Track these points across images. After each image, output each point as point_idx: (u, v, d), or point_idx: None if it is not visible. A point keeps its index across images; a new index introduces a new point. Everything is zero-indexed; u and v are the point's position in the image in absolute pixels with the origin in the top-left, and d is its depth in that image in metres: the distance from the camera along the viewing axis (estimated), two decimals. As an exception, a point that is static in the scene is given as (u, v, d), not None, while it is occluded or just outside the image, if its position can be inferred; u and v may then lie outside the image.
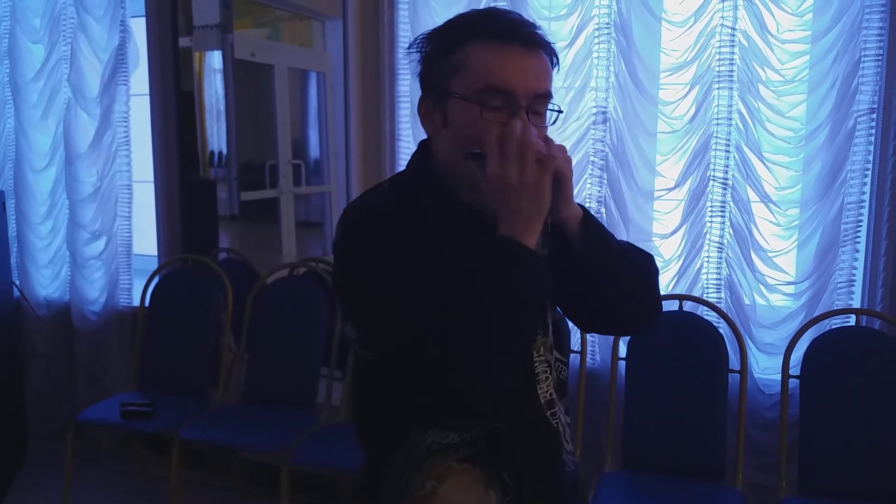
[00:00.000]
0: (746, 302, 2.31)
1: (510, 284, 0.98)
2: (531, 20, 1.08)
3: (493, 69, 1.02)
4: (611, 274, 1.10)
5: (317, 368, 2.65)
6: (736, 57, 2.23)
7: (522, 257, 0.99)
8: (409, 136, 2.64)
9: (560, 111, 1.09)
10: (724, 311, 2.30)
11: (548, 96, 1.07)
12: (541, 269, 1.01)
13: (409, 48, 1.12)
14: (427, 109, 1.10)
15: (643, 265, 1.17)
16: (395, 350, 1.00)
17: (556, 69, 1.09)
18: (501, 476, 1.08)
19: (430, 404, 1.01)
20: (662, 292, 2.34)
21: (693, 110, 2.29)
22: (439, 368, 0.97)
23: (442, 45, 1.07)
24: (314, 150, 3.16)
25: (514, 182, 0.99)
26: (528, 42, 1.04)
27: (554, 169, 1.00)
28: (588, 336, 2.39)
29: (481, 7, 1.12)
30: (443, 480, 1.03)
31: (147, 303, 2.93)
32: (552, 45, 1.08)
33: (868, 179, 2.20)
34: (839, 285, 2.24)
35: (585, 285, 1.11)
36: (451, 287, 0.99)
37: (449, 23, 1.09)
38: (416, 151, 1.18)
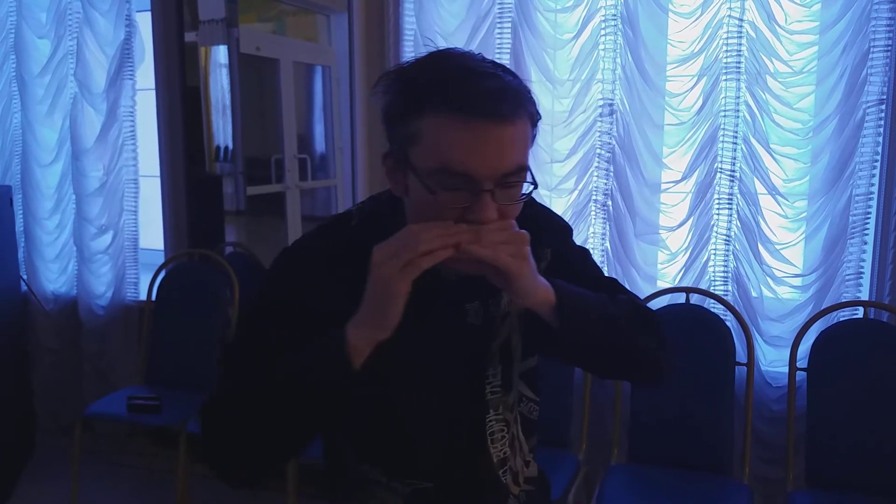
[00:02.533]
0: (753, 294, 2.30)
1: (302, 374, 0.91)
2: (505, 79, 0.90)
3: (450, 150, 0.86)
4: (591, 354, 1.01)
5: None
6: (743, 48, 2.22)
7: (332, 360, 0.90)
8: (414, 129, 2.64)
9: (535, 185, 0.93)
10: (731, 303, 2.29)
11: (520, 170, 0.90)
12: (340, 382, 0.90)
13: (374, 85, 0.95)
14: (390, 168, 0.97)
15: (639, 346, 1.03)
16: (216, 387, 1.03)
17: (535, 130, 0.93)
18: None
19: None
20: (669, 285, 2.36)
21: (700, 102, 2.28)
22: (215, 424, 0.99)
23: (400, 106, 0.91)
24: (320, 145, 3.16)
25: (375, 265, 0.88)
26: (495, 116, 0.86)
27: (497, 265, 0.88)
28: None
29: (447, 56, 0.93)
30: None
31: (154, 297, 2.94)
32: (530, 105, 0.91)
33: (877, 171, 2.19)
34: (847, 277, 2.23)
35: (571, 360, 1.06)
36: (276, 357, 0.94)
37: (409, 76, 0.92)
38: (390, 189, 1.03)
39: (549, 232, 1.10)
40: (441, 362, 1.00)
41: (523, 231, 0.91)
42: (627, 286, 2.38)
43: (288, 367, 0.92)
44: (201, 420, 1.00)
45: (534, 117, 0.92)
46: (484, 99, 0.86)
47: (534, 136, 0.93)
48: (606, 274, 1.18)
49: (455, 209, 0.89)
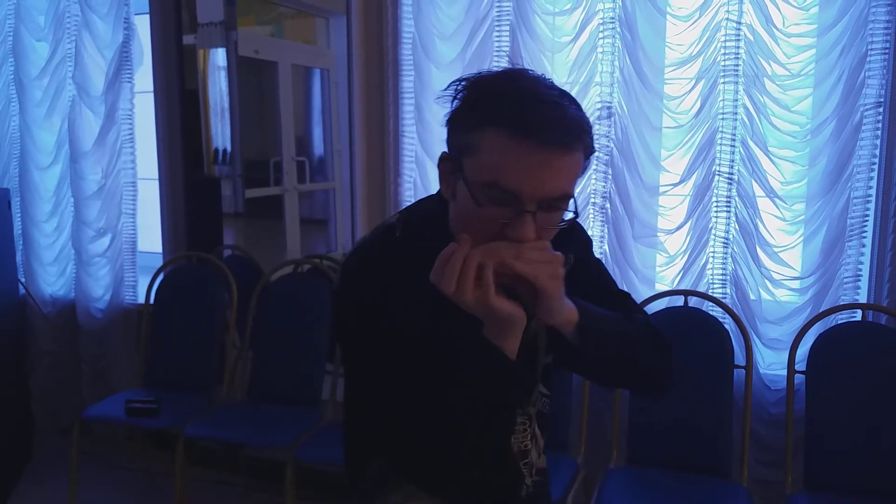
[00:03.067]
0: (752, 297, 2.30)
1: (469, 392, 0.97)
2: (569, 109, 0.94)
3: (502, 167, 0.91)
4: (606, 370, 1.07)
5: (321, 365, 2.66)
6: (741, 51, 2.22)
7: (493, 369, 0.96)
8: (412, 132, 2.64)
9: (576, 214, 0.98)
10: (730, 306, 2.29)
11: (564, 198, 0.95)
12: (505, 382, 0.97)
13: (446, 87, 0.99)
14: (444, 171, 1.01)
15: (650, 363, 1.10)
16: (348, 401, 1.11)
17: (589, 161, 0.98)
18: None
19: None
20: (667, 288, 2.36)
21: (698, 105, 2.28)
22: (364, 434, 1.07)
23: (465, 115, 0.96)
24: (318, 147, 3.16)
25: (454, 298, 0.93)
26: (551, 143, 0.90)
27: (535, 283, 0.92)
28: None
29: (521, 76, 0.97)
30: (409, 499, 1.09)
31: (152, 300, 2.93)
32: (587, 138, 0.96)
33: (874, 174, 2.19)
34: (845, 280, 2.23)
35: (582, 373, 1.13)
36: (419, 370, 0.99)
37: (482, 88, 0.97)
38: (439, 193, 1.07)
39: (574, 240, 1.15)
40: (475, 357, 1.03)
41: (558, 253, 0.95)
42: (626, 289, 2.41)
43: (451, 390, 0.98)
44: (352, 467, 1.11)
45: (588, 150, 0.96)
46: (543, 126, 0.90)
47: (585, 168, 0.98)
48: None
49: (496, 223, 0.93)
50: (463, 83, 0.98)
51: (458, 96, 0.98)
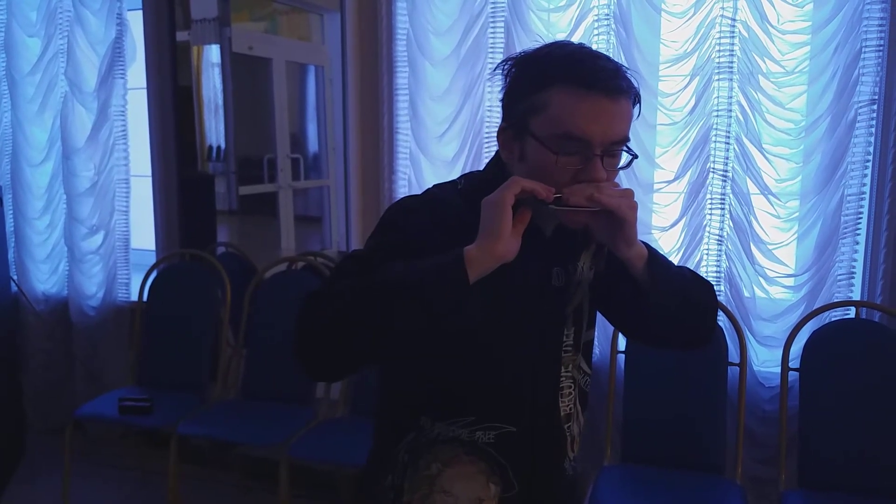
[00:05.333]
0: (746, 294, 2.30)
1: (417, 278, 0.99)
2: (617, 63, 1.06)
3: (572, 117, 1.02)
4: (669, 311, 1.12)
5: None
6: (736, 48, 2.22)
7: (449, 270, 0.98)
8: (407, 129, 2.63)
9: (635, 156, 1.09)
10: (724, 303, 2.29)
11: (624, 141, 1.06)
12: (452, 294, 0.98)
13: (494, 69, 1.12)
14: (506, 139, 1.11)
15: (703, 301, 1.19)
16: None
17: (637, 108, 1.08)
18: (507, 475, 1.15)
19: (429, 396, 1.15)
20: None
21: (693, 102, 2.28)
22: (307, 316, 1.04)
23: (526, 82, 1.07)
24: (312, 144, 3.15)
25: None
26: (612, 91, 1.03)
27: (611, 210, 1.01)
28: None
29: (567, 43, 1.10)
30: (449, 465, 1.10)
31: (145, 298, 2.92)
32: (636, 88, 1.07)
33: (868, 171, 2.19)
34: (839, 277, 2.24)
35: (643, 314, 1.14)
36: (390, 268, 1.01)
37: (536, 57, 1.08)
38: (494, 159, 1.17)
39: None
40: (529, 316, 1.13)
41: (629, 188, 1.06)
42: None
43: (404, 269, 1.00)
44: (301, 309, 1.06)
45: (637, 97, 1.08)
46: (604, 76, 1.02)
47: (636, 113, 1.09)
48: None
49: (569, 170, 1.03)
50: (510, 62, 1.09)
51: (510, 73, 1.09)
